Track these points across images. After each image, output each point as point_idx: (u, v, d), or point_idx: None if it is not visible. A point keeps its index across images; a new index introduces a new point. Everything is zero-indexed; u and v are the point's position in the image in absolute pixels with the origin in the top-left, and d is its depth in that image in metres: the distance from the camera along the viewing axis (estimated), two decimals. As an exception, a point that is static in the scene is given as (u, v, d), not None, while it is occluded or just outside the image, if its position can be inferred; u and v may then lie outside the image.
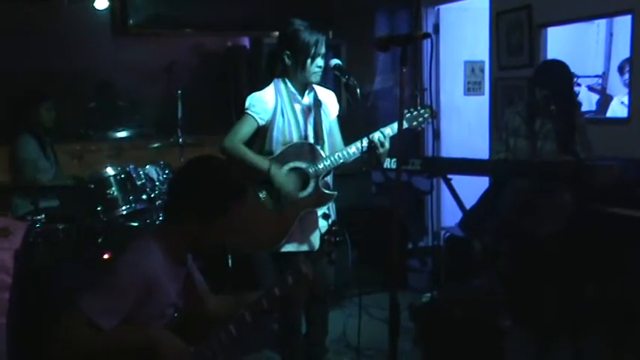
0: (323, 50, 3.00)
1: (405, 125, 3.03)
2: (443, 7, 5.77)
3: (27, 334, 2.84)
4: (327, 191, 3.02)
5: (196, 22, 5.41)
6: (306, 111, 3.09)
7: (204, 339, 2.20)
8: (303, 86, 3.09)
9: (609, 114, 5.07)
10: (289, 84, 3.07)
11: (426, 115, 3.06)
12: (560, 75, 3.71)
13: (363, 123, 2.90)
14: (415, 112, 3.07)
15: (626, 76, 4.75)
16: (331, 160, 3.01)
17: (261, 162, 2.97)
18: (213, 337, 2.22)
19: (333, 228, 2.45)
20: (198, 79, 5.62)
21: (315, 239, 3.05)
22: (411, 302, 3.55)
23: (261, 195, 2.99)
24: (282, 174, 2.97)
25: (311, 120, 3.09)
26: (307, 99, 3.11)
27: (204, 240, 2.19)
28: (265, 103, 3.05)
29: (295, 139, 3.04)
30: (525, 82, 4.47)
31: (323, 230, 2.90)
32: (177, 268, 2.21)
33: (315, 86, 3.15)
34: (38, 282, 3.34)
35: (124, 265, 2.10)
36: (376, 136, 2.95)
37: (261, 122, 3.04)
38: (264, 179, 2.97)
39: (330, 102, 3.20)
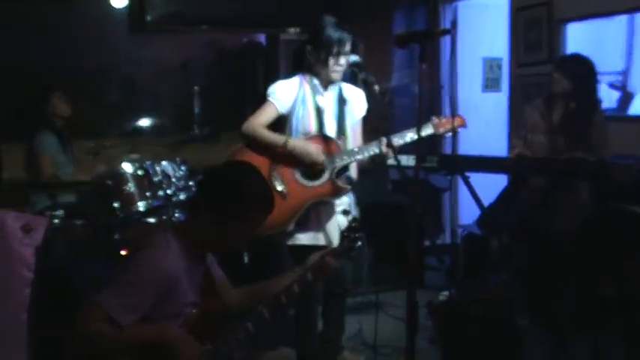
0: (347, 49, 2.98)
1: (431, 131, 3.02)
2: (461, 4, 5.72)
3: (46, 330, 2.86)
4: (340, 183, 3.01)
5: (212, 18, 5.42)
6: (329, 105, 3.09)
7: (221, 335, 2.20)
8: (327, 82, 3.09)
9: (632, 111, 5.01)
10: (314, 78, 3.07)
11: (455, 124, 3.04)
12: (584, 69, 3.67)
13: (380, 119, 2.90)
14: (444, 120, 3.05)
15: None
16: (349, 155, 3.01)
17: (278, 138, 3.00)
18: (231, 334, 2.21)
19: (353, 224, 2.43)
20: (214, 75, 5.64)
21: (333, 233, 3.04)
22: (429, 300, 3.53)
23: (274, 177, 2.99)
24: (300, 140, 2.98)
25: (334, 114, 3.09)
26: (331, 94, 3.10)
27: (217, 242, 2.18)
28: (287, 91, 3.06)
29: (314, 130, 3.05)
30: (545, 79, 4.42)
31: (343, 227, 2.90)
32: (195, 266, 2.20)
33: (343, 83, 3.15)
34: (57, 278, 3.35)
35: (143, 263, 2.10)
36: (395, 139, 2.94)
37: (282, 110, 3.06)
38: (283, 156, 2.98)
39: (356, 101, 3.19)
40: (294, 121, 3.06)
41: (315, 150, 2.98)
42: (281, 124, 3.09)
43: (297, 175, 3.04)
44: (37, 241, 2.65)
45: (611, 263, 3.28)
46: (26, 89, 4.58)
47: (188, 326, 2.14)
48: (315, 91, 3.08)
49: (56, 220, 3.77)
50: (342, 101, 3.12)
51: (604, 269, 3.33)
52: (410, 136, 2.98)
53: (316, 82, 3.07)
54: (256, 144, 3.03)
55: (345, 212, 2.83)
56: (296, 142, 2.99)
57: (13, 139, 4.47)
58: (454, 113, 3.22)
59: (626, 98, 5.32)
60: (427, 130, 3.03)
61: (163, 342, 2.05)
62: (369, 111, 3.24)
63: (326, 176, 3.01)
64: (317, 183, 3.02)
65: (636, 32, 5.35)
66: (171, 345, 2.05)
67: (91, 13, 5.16)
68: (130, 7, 5.22)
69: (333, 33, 2.95)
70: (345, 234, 2.43)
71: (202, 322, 2.17)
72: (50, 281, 3.20)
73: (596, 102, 3.76)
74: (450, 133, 3.08)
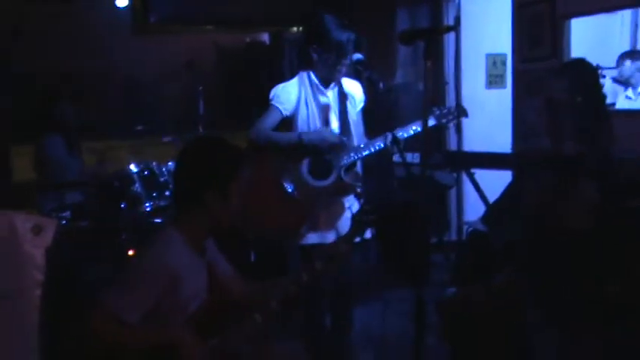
0: (351, 49, 2.98)
1: (434, 122, 3.03)
2: (463, 0, 5.72)
3: (55, 331, 2.88)
4: (348, 181, 3.03)
5: (216, 18, 5.44)
6: (331, 103, 3.10)
7: (229, 329, 2.20)
8: (329, 80, 3.09)
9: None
10: (313, 76, 3.08)
11: (457, 114, 3.06)
12: (585, 71, 3.67)
13: (385, 117, 2.91)
14: (445, 110, 3.07)
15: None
16: (355, 152, 3.02)
17: (290, 135, 3.01)
18: (238, 327, 2.22)
19: (366, 207, 2.43)
20: (218, 75, 5.66)
21: (343, 231, 3.05)
22: (436, 297, 3.53)
23: (302, 169, 3.01)
24: (310, 132, 3.00)
25: (336, 111, 3.10)
26: (332, 91, 3.12)
27: (223, 215, 2.19)
28: (289, 93, 3.07)
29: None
30: (548, 75, 4.42)
31: (355, 210, 2.91)
32: (199, 260, 2.21)
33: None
34: (64, 279, 3.37)
35: (147, 259, 2.13)
36: (399, 133, 2.95)
37: (285, 113, 3.07)
38: (298, 153, 3.00)
39: (356, 93, 3.21)
40: (298, 122, 3.07)
41: (329, 133, 3.00)
42: (285, 124, 3.10)
43: (307, 177, 3.04)
44: (47, 243, 2.65)
45: (621, 260, 3.28)
46: (33, 92, 4.60)
47: (195, 320, 2.14)
48: (316, 90, 3.08)
49: (63, 222, 3.79)
50: (343, 97, 3.13)
51: (613, 266, 3.32)
52: (414, 128, 2.99)
53: (316, 80, 3.08)
54: (266, 148, 3.03)
55: (359, 195, 2.84)
56: (309, 134, 3.01)
57: (22, 142, 4.49)
58: (458, 103, 3.23)
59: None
60: (430, 122, 3.05)
61: (169, 342, 2.05)
62: (373, 108, 3.26)
63: (334, 175, 3.03)
64: (326, 183, 3.03)
65: (640, 27, 5.35)
66: (177, 345, 2.05)
67: (93, 14, 5.18)
68: (132, 8, 5.23)
69: (340, 35, 2.94)
70: (357, 218, 2.43)
71: (209, 316, 2.18)
72: (57, 283, 3.21)
73: (600, 101, 3.75)
74: (453, 124, 3.10)
